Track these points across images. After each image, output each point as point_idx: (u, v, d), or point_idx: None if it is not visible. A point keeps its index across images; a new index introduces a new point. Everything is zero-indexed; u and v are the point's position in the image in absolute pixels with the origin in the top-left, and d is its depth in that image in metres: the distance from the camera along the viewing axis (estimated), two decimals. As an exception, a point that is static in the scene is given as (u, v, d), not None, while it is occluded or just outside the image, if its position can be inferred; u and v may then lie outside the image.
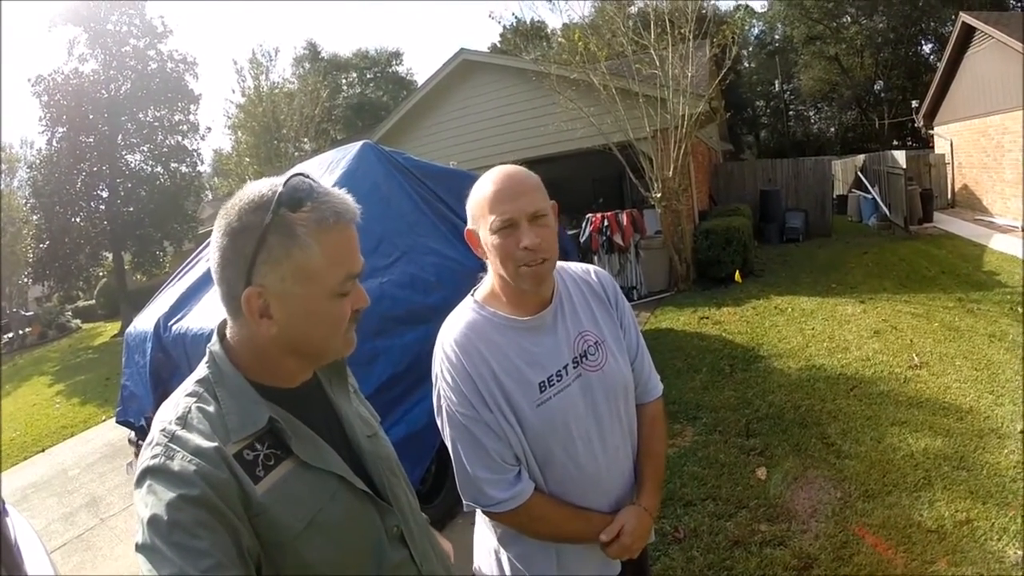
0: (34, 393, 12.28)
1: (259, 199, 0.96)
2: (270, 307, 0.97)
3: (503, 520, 1.46)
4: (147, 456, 0.90)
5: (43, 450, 7.82)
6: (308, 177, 1.00)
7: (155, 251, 20.19)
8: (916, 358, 5.53)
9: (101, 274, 23.05)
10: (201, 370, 1.03)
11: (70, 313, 25.27)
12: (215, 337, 1.06)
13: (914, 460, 3.84)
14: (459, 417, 1.41)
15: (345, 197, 1.02)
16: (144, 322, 4.08)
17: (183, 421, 0.94)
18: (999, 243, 10.67)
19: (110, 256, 20.73)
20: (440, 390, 1.45)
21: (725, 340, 6.93)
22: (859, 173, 17.11)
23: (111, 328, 20.65)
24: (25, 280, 23.04)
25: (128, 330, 4.32)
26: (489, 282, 1.52)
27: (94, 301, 26.02)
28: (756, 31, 38.78)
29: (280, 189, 0.96)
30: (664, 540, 3.36)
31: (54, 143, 18.76)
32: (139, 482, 0.89)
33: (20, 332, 22.48)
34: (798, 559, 3.07)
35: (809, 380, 5.38)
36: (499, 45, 33.36)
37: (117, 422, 4.53)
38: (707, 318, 7.99)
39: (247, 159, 18.99)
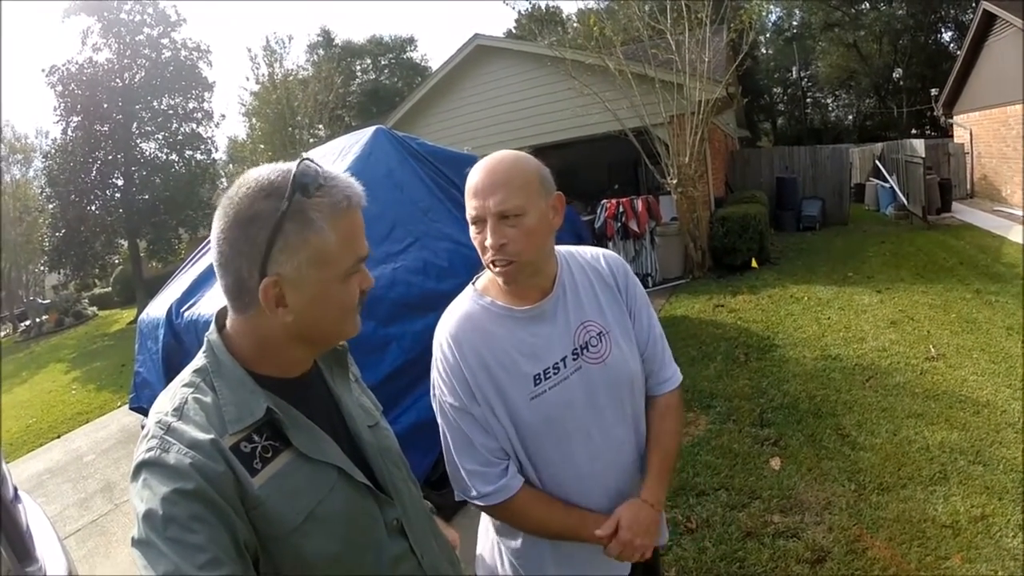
0: (50, 380, 12.44)
1: (269, 186, 0.94)
2: (285, 295, 0.95)
3: (490, 513, 1.44)
4: (143, 449, 0.89)
5: (59, 436, 7.92)
6: (313, 162, 0.98)
7: (170, 238, 20.31)
8: (933, 350, 5.45)
9: (117, 261, 23.26)
10: (199, 360, 1.01)
11: (86, 300, 25.46)
12: (213, 327, 1.04)
13: (930, 453, 3.78)
14: (448, 409, 1.39)
15: (352, 181, 1.02)
16: (157, 309, 4.09)
17: (179, 412, 0.93)
18: (1018, 235, 10.45)
19: (126, 244, 20.94)
20: (434, 379, 1.43)
21: (740, 328, 6.87)
22: (877, 162, 16.88)
23: (127, 315, 20.81)
24: (42, 268, 23.33)
25: (141, 317, 4.34)
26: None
27: (110, 288, 26.23)
28: (774, 17, 38.23)
29: (294, 174, 0.94)
30: (676, 530, 3.33)
31: (69, 132, 18.88)
32: (135, 475, 0.87)
33: (37, 320, 22.71)
34: (811, 551, 3.03)
35: (824, 370, 5.32)
36: (514, 31, 33.15)
37: (130, 408, 4.58)
38: (722, 306, 7.93)
39: (262, 146, 19.10)
